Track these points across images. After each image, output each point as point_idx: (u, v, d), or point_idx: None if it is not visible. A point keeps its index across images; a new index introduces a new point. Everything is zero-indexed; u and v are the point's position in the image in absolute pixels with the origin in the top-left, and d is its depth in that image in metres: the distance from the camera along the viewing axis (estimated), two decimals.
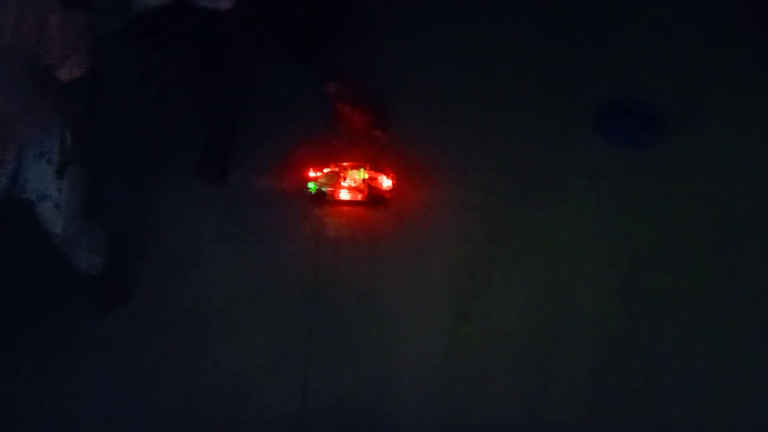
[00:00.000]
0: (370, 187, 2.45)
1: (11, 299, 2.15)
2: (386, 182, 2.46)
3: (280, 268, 2.29)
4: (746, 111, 2.78)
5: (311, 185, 2.45)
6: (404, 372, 2.03)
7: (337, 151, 2.59)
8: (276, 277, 2.26)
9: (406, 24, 3.16)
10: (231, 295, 2.21)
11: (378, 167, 2.50)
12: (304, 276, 2.27)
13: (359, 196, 2.45)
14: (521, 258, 2.32)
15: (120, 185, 2.50)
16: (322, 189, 2.45)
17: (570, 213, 2.46)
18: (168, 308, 2.18)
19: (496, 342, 2.10)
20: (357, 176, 2.46)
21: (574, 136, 2.70)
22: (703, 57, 3.00)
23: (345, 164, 2.49)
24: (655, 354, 2.08)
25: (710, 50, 3.04)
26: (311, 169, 2.48)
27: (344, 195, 2.45)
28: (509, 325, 2.15)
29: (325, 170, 2.48)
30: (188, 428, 1.95)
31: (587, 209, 2.47)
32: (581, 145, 2.68)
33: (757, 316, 2.15)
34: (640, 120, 2.72)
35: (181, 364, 2.06)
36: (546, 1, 3.27)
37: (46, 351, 2.07)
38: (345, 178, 2.46)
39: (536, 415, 1.96)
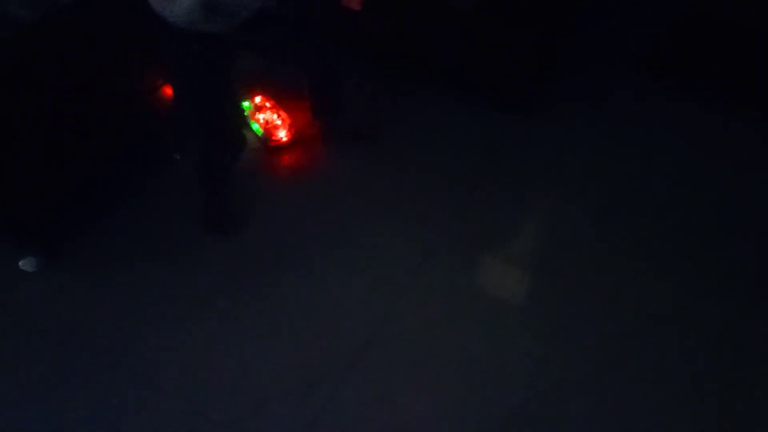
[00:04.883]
0: (266, 129, 2.79)
1: None
2: (281, 134, 2.77)
3: None
4: None
5: (245, 105, 2.91)
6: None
7: (281, 91, 2.92)
8: None
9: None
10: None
11: (291, 123, 2.80)
12: None
13: (260, 132, 2.82)
14: None
15: None
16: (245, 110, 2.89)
17: None
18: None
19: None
20: (264, 116, 2.81)
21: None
22: None
23: (267, 102, 2.85)
24: None
25: None
26: (254, 93, 2.91)
27: (253, 125, 2.85)
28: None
29: (257, 99, 2.88)
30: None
31: None
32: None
33: None
34: None
35: None
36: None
37: None
38: (260, 112, 2.84)
39: None
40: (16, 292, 2.36)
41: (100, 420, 2.03)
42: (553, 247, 2.47)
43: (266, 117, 2.81)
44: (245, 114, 2.86)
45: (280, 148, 2.79)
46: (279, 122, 2.80)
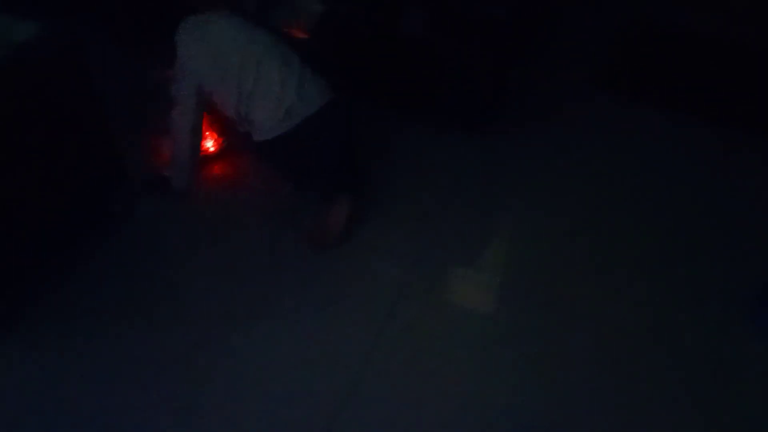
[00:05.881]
0: None
1: None
2: (209, 144, 2.90)
3: None
4: None
5: None
6: None
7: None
8: None
9: None
10: None
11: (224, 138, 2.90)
12: None
13: None
14: None
15: None
16: None
17: None
18: None
19: None
20: None
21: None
22: None
23: None
24: None
25: None
26: None
27: None
28: None
29: None
30: None
31: None
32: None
33: None
34: None
35: None
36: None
37: None
38: None
39: None
40: None
41: None
42: (529, 266, 2.54)
43: None
44: None
45: (208, 158, 2.91)
46: (206, 132, 2.92)
